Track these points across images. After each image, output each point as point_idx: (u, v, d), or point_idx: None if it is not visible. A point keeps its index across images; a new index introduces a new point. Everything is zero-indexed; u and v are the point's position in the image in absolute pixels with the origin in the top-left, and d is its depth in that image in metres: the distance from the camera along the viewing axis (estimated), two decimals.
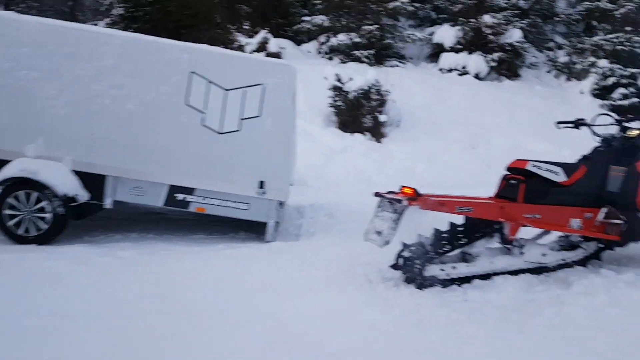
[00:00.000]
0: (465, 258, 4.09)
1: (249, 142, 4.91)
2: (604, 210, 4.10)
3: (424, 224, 4.06)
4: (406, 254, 3.84)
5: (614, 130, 4.40)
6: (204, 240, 5.05)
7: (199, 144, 4.91)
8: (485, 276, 3.96)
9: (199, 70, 4.91)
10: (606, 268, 4.17)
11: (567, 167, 4.09)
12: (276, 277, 3.86)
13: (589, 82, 11.30)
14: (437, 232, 3.93)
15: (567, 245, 4.31)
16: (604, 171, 4.18)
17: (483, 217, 3.92)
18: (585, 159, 4.28)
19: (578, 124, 4.53)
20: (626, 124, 4.41)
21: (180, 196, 4.98)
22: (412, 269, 3.80)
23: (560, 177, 4.03)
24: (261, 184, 4.93)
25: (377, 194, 3.84)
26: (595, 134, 4.47)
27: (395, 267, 3.89)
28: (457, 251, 4.12)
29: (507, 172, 4.20)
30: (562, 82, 12.06)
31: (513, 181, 4.09)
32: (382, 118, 9.33)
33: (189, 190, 4.97)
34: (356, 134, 9.19)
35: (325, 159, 8.53)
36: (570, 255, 4.21)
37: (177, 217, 5.95)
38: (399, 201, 3.68)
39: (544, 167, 4.01)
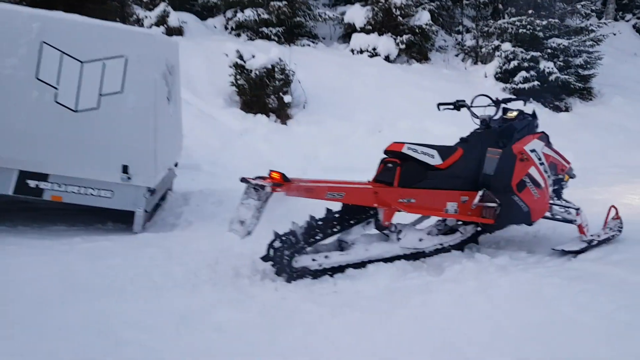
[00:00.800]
0: (341, 246, 3.88)
1: (109, 121, 4.38)
2: (479, 193, 4.01)
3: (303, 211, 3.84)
4: (277, 244, 3.57)
5: (493, 111, 4.33)
6: (62, 233, 4.49)
7: (52, 123, 4.33)
8: (360, 264, 3.76)
9: (51, 40, 4.31)
10: (483, 252, 4.10)
11: (444, 150, 3.95)
12: (126, 275, 3.42)
13: (492, 66, 11.52)
14: (311, 220, 3.69)
15: (446, 229, 4.21)
16: (481, 153, 4.08)
17: (355, 202, 3.70)
18: (462, 141, 4.17)
19: (458, 105, 4.43)
20: (504, 105, 4.35)
21: (32, 183, 4.40)
22: (282, 260, 3.54)
23: (435, 160, 3.88)
24: (125, 169, 4.44)
25: (242, 179, 3.52)
26: (474, 115, 4.38)
27: (265, 258, 3.60)
28: (332, 239, 3.89)
29: (385, 156, 4.00)
30: (468, 65, 12.25)
31: (390, 165, 3.89)
32: (286, 99, 8.98)
33: (43, 177, 4.40)
34: (259, 115, 8.79)
35: (224, 141, 8.08)
36: (448, 240, 4.10)
37: (43, 207, 5.31)
38: (263, 187, 3.38)
39: (419, 150, 3.85)
